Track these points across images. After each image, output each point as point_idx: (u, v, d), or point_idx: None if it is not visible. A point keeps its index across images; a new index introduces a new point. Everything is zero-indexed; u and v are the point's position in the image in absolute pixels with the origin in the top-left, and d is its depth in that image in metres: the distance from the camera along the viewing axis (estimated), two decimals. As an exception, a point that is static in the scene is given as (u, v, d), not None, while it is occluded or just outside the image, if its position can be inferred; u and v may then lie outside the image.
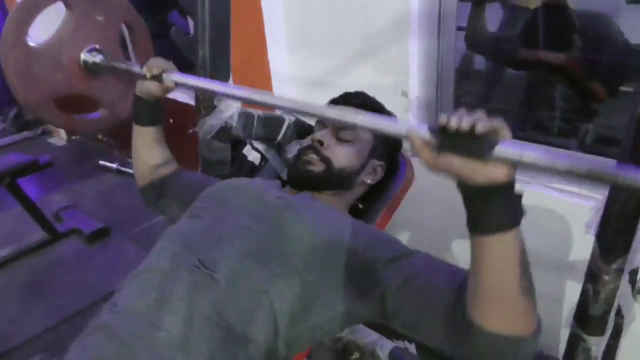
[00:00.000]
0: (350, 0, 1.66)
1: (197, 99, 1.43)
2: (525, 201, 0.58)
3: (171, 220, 1.09)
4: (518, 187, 0.57)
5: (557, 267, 1.48)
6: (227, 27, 1.40)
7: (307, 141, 1.07)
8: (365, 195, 1.08)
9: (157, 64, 1.01)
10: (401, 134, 0.64)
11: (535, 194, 1.40)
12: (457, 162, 0.56)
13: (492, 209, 0.57)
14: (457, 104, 1.66)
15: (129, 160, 3.37)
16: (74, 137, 3.85)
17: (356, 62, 1.69)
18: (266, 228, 0.85)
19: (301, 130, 1.54)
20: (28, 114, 3.76)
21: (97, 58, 1.14)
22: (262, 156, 1.62)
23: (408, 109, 1.63)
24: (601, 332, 0.79)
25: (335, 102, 1.10)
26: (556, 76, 1.74)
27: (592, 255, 0.76)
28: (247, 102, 1.19)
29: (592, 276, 0.76)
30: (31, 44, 1.11)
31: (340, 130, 1.01)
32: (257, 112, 1.54)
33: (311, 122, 1.33)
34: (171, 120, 2.79)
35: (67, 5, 1.14)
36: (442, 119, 0.57)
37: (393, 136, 0.71)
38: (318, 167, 0.99)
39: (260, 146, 1.62)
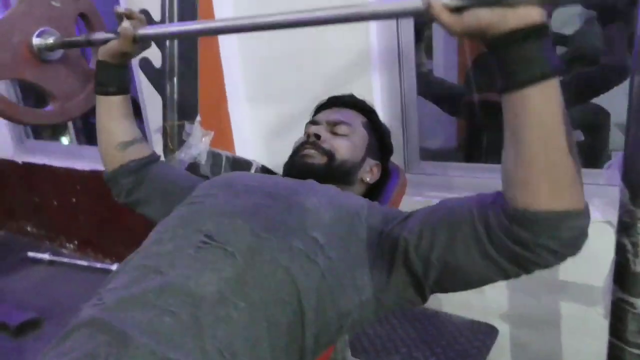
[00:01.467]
0: (308, 46, 1.71)
1: (164, 133, 1.35)
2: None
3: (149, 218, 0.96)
4: None
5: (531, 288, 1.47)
6: (195, 62, 1.37)
7: (301, 138, 1.01)
8: (370, 190, 1.03)
9: (126, 23, 0.84)
10: (419, 6, 0.57)
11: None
12: (484, 14, 0.51)
13: (532, 55, 0.51)
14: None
15: (63, 250, 3.09)
16: (-4, 233, 3.50)
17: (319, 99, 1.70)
18: (282, 204, 0.76)
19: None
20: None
21: (50, 39, 1.02)
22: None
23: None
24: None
25: (322, 106, 1.08)
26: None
27: (621, 203, 0.73)
28: (211, 33, 1.05)
29: (625, 227, 0.73)
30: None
31: (334, 125, 0.98)
32: (226, 152, 1.47)
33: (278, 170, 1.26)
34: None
35: None
36: None
37: (410, 13, 0.60)
38: (319, 160, 0.93)
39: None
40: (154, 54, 1.32)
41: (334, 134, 0.97)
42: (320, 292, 0.67)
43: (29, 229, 3.37)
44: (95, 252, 2.92)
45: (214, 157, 1.43)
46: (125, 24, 0.84)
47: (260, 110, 1.88)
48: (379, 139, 1.04)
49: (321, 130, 0.97)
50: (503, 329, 1.52)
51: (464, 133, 2.19)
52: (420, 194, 1.63)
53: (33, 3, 1.00)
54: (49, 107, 1.04)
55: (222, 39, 1.79)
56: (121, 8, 0.87)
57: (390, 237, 0.71)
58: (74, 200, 2.94)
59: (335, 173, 0.93)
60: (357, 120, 1.02)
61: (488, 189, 0.65)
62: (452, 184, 1.64)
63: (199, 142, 1.38)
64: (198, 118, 1.39)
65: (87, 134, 3.13)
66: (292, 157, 0.98)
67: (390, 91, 1.64)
